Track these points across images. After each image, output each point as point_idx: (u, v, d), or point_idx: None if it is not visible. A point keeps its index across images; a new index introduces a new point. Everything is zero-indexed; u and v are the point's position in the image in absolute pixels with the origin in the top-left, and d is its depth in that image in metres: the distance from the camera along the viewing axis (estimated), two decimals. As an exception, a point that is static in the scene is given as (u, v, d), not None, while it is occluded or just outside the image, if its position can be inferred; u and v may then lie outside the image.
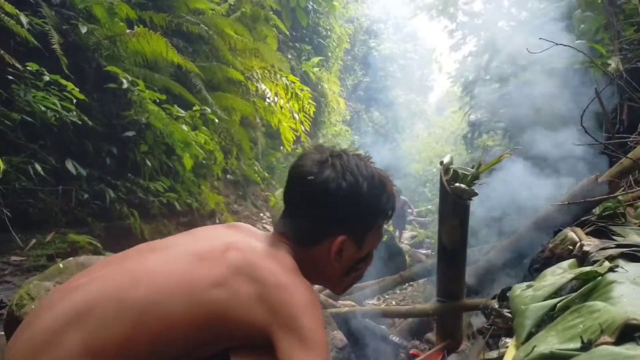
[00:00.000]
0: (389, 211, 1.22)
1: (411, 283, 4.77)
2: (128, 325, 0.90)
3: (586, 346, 0.77)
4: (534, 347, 0.83)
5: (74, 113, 3.80)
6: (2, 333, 2.32)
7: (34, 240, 3.50)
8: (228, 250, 1.03)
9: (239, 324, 0.96)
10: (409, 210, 11.80)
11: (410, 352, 2.35)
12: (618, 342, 0.76)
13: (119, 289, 0.94)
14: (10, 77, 3.44)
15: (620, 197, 2.34)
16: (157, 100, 4.68)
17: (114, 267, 1.02)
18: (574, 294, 1.15)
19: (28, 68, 3.55)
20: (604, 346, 0.71)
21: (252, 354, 0.99)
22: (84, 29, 4.15)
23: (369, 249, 1.22)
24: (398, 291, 4.89)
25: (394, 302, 4.35)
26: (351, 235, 1.14)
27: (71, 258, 2.85)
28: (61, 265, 2.59)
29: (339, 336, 1.99)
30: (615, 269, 1.21)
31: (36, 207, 3.66)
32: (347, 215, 1.13)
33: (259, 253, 1.05)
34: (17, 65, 3.49)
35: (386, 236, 6.31)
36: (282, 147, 8.63)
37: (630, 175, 2.68)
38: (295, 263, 1.09)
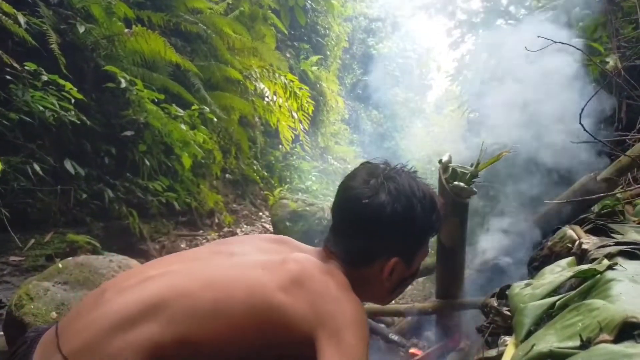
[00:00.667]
0: (438, 226, 1.23)
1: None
2: (197, 325, 0.94)
3: (585, 344, 0.77)
4: (533, 345, 0.83)
5: (73, 113, 3.80)
6: (2, 333, 2.32)
7: (32, 240, 3.50)
8: (287, 262, 1.06)
9: (294, 330, 0.98)
10: None
11: (410, 351, 2.35)
12: (617, 340, 0.76)
13: (192, 288, 0.98)
14: (8, 77, 3.44)
15: (619, 195, 2.34)
16: (156, 100, 4.68)
17: (188, 264, 1.08)
18: (572, 292, 1.15)
19: (26, 68, 3.54)
20: (603, 344, 0.71)
21: None
22: (81, 29, 4.14)
23: (417, 266, 1.24)
24: (397, 289, 4.89)
25: (392, 302, 4.35)
26: (402, 257, 1.15)
27: (70, 258, 2.85)
28: (60, 265, 2.59)
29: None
30: (614, 267, 1.22)
31: (35, 207, 3.66)
32: (400, 239, 1.15)
33: (315, 267, 1.08)
34: (15, 65, 3.48)
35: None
36: (280, 146, 8.63)
37: (629, 173, 2.69)
38: (347, 280, 1.10)
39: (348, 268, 1.14)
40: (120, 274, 1.08)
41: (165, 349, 0.91)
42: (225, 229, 6.07)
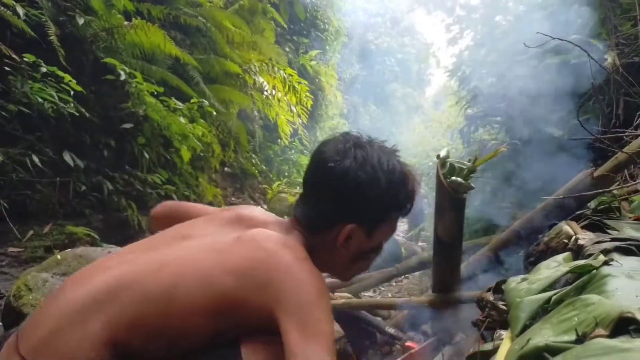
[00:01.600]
0: (406, 207, 1.22)
1: (407, 275, 4.80)
2: (152, 311, 0.94)
3: (581, 339, 0.78)
4: (529, 339, 0.85)
5: (71, 105, 3.79)
6: (0, 324, 2.33)
7: (31, 232, 3.51)
8: (242, 241, 1.06)
9: (251, 310, 0.97)
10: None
11: (405, 344, 2.38)
12: (612, 335, 0.77)
13: (145, 275, 0.98)
14: (7, 69, 3.43)
15: (615, 191, 2.36)
16: (155, 93, 4.68)
17: (143, 252, 1.06)
18: (568, 287, 1.17)
19: (25, 59, 3.53)
20: (599, 339, 0.73)
21: (261, 341, 1.01)
22: (81, 21, 4.13)
23: (380, 240, 1.22)
24: (394, 283, 4.91)
25: (389, 294, 4.37)
26: (362, 224, 1.15)
27: (69, 250, 2.85)
28: (59, 257, 2.60)
29: (335, 328, 2.01)
30: (610, 263, 1.23)
31: (34, 198, 3.67)
32: (361, 206, 1.14)
33: (273, 241, 1.06)
34: (14, 56, 3.47)
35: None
36: (279, 140, 8.63)
37: (626, 170, 2.70)
38: (305, 252, 1.09)
39: (309, 235, 1.15)
40: (80, 270, 1.07)
41: (121, 336, 0.91)
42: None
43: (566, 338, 0.82)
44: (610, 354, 0.65)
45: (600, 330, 0.77)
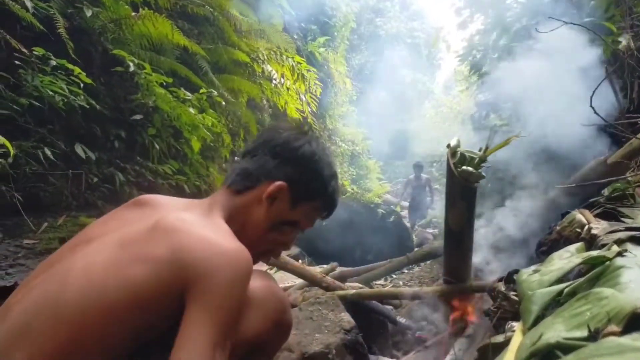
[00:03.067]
0: (331, 201, 1.26)
1: (418, 264, 4.80)
2: (68, 329, 0.88)
3: (593, 335, 0.78)
4: (541, 335, 0.84)
5: (82, 97, 3.81)
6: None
7: (45, 224, 3.54)
8: (155, 230, 1.00)
9: (174, 298, 0.93)
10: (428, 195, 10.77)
11: (417, 334, 2.38)
12: (625, 331, 0.76)
13: (50, 296, 0.92)
14: (17, 62, 3.44)
15: (629, 178, 2.33)
16: (164, 83, 4.67)
17: (45, 273, 0.99)
18: (581, 279, 1.15)
19: (34, 53, 3.54)
20: (612, 337, 0.72)
21: None
22: (89, 12, 4.12)
23: (299, 219, 1.22)
24: (406, 271, 4.91)
25: (401, 283, 4.37)
26: (291, 188, 1.16)
27: (83, 241, 2.89)
28: (73, 249, 2.63)
29: (347, 318, 2.01)
30: (624, 254, 1.21)
31: (47, 191, 3.70)
32: (296, 170, 1.17)
33: (188, 222, 1.02)
34: (24, 50, 3.49)
35: (393, 216, 6.33)
36: (289, 129, 8.60)
37: (640, 156, 2.66)
38: (227, 226, 1.07)
39: (231, 198, 1.15)
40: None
41: None
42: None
43: (578, 334, 0.81)
44: (624, 353, 0.64)
45: (613, 327, 0.76)
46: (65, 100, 3.64)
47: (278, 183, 1.14)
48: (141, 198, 1.20)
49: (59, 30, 3.75)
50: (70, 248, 1.05)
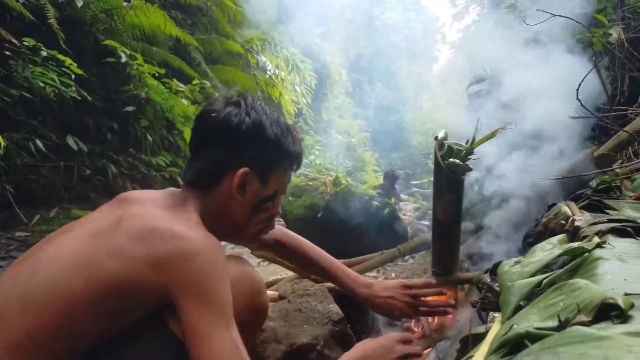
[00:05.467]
0: (295, 155, 1.23)
1: (412, 255, 4.82)
2: (35, 315, 0.89)
3: (563, 325, 0.79)
4: (512, 325, 0.85)
5: (73, 88, 3.80)
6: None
7: (37, 216, 3.55)
8: (123, 220, 1.01)
9: (146, 291, 0.95)
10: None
11: (405, 325, 2.40)
12: (594, 321, 0.77)
13: (19, 284, 0.93)
14: (7, 53, 3.43)
15: (617, 170, 2.34)
16: (157, 75, 4.66)
17: (19, 265, 1.00)
18: (560, 271, 1.17)
19: (25, 43, 3.53)
20: (577, 327, 0.73)
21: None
22: (79, 3, 4.09)
23: (276, 189, 1.21)
24: (399, 263, 4.93)
25: (393, 275, 4.39)
26: (254, 169, 1.14)
27: (74, 234, 2.90)
28: (65, 241, 2.63)
29: (335, 309, 2.03)
30: (603, 245, 1.22)
31: (39, 183, 3.70)
32: (249, 149, 1.13)
33: (157, 216, 1.03)
34: (14, 40, 3.47)
35: (388, 208, 6.34)
36: (283, 120, 8.60)
37: (629, 147, 2.67)
38: (198, 218, 1.08)
39: (202, 195, 1.13)
40: None
41: (18, 352, 0.87)
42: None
43: (550, 324, 0.82)
44: (586, 342, 0.65)
45: (582, 317, 0.77)
46: (57, 91, 3.63)
47: (240, 172, 1.11)
48: (122, 195, 1.19)
49: (50, 21, 3.73)
50: (48, 240, 1.06)
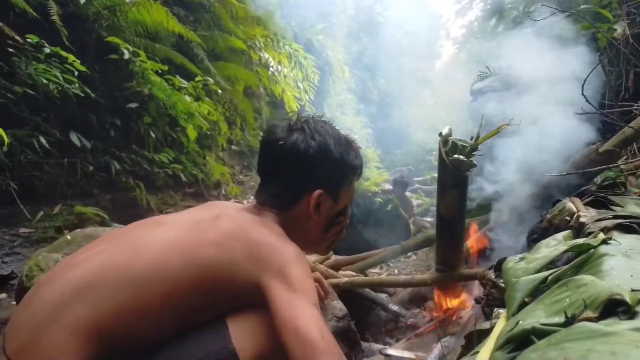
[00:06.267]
0: (358, 167, 1.32)
1: (415, 251, 4.82)
2: (133, 294, 0.95)
3: (569, 321, 0.78)
4: (518, 321, 0.85)
5: (76, 85, 3.79)
6: (14, 302, 2.39)
7: (41, 213, 3.55)
8: (219, 219, 1.10)
9: (232, 280, 1.02)
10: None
11: (408, 322, 2.40)
12: (601, 317, 0.77)
13: (121, 261, 0.99)
14: (10, 50, 3.42)
15: (622, 166, 2.33)
16: (159, 71, 4.66)
17: (115, 242, 1.07)
18: (565, 267, 1.16)
19: (28, 40, 3.52)
20: (584, 322, 0.73)
21: (244, 312, 1.06)
22: (82, -1, 4.09)
23: (345, 203, 1.31)
24: (402, 259, 4.94)
25: (396, 271, 4.40)
26: (326, 189, 1.23)
27: (78, 230, 2.90)
28: (69, 237, 2.64)
29: (339, 305, 2.02)
30: (609, 241, 1.22)
31: (42, 179, 3.70)
32: (320, 171, 1.22)
33: (248, 220, 1.13)
34: (17, 37, 3.47)
35: (390, 205, 6.33)
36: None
37: (634, 144, 2.66)
38: (280, 229, 1.17)
39: (280, 213, 1.22)
40: (52, 269, 1.07)
41: (104, 324, 0.91)
42: (232, 201, 6.11)
43: (556, 320, 0.82)
44: (593, 338, 0.65)
45: (589, 313, 0.77)
46: (60, 88, 3.63)
47: (315, 194, 1.21)
48: (210, 202, 1.31)
49: (53, 17, 3.72)
50: (140, 226, 1.14)
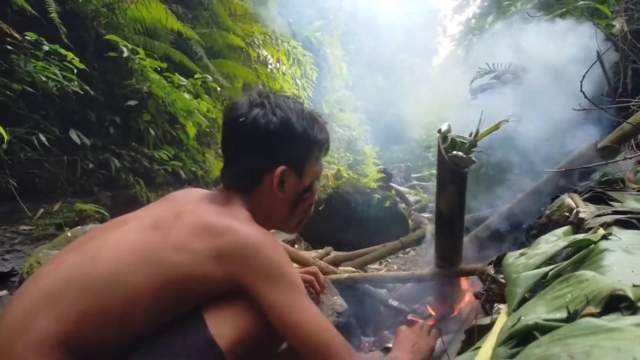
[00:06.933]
0: (323, 142, 1.29)
1: (414, 247, 4.84)
2: (95, 300, 0.94)
3: (572, 316, 0.79)
4: (520, 317, 0.86)
5: (76, 83, 3.79)
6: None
7: (41, 210, 3.55)
8: (180, 215, 1.07)
9: (203, 282, 1.01)
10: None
11: (408, 317, 2.41)
12: (603, 312, 0.77)
13: (81, 268, 0.98)
14: (9, 47, 3.42)
15: (620, 162, 2.35)
16: (158, 69, 4.65)
17: (78, 249, 1.05)
18: (566, 262, 1.17)
19: (27, 38, 3.52)
20: (587, 318, 0.73)
21: (221, 306, 1.04)
22: (81, -3, 4.09)
23: (311, 180, 1.28)
24: (401, 254, 4.95)
25: (395, 267, 4.42)
26: (290, 165, 1.20)
27: (78, 227, 2.91)
28: (69, 234, 2.66)
29: (339, 301, 2.04)
30: (609, 237, 1.23)
31: (42, 177, 3.70)
32: (282, 147, 1.19)
33: (211, 212, 1.10)
34: (16, 35, 3.46)
35: (388, 201, 6.34)
36: (285, 114, 8.58)
37: (632, 140, 2.67)
38: (248, 213, 1.15)
39: (245, 195, 1.19)
40: (26, 280, 1.06)
41: (69, 333, 0.91)
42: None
43: (558, 315, 0.83)
44: (597, 334, 0.66)
45: (591, 308, 0.78)
46: (59, 85, 3.63)
47: (277, 171, 1.18)
48: (169, 195, 1.27)
49: (51, 15, 3.72)
50: (103, 229, 1.12)
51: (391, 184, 9.68)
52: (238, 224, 1.06)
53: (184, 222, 1.05)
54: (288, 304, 0.98)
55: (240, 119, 1.17)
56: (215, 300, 1.04)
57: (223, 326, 1.00)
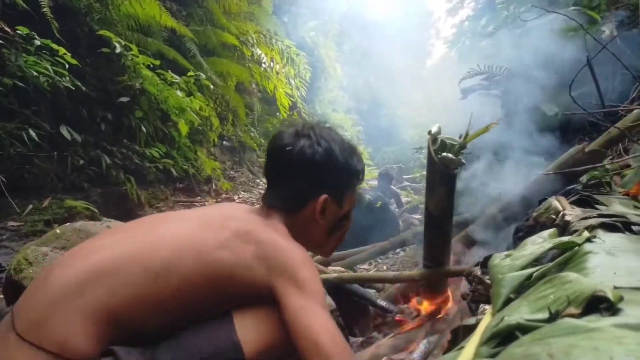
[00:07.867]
0: (361, 171, 1.37)
1: (404, 248, 4.85)
2: (150, 285, 0.99)
3: (553, 317, 0.80)
4: (503, 317, 0.87)
5: (67, 78, 3.77)
6: (2, 296, 2.38)
7: (30, 206, 3.53)
8: (228, 220, 1.15)
9: (243, 282, 1.07)
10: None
11: (396, 317, 2.43)
12: (584, 313, 0.79)
13: (140, 251, 1.04)
14: (0, 42, 3.39)
15: (608, 166, 2.37)
16: (151, 66, 4.64)
17: (132, 232, 1.12)
18: (550, 264, 1.19)
19: (18, 32, 3.49)
20: (567, 319, 0.74)
21: (250, 309, 1.09)
22: (74, -9, 4.06)
23: (349, 208, 1.37)
24: (391, 255, 4.97)
25: (385, 267, 4.43)
26: (331, 194, 1.28)
27: (68, 224, 2.88)
28: (58, 231, 2.63)
29: (328, 301, 2.05)
30: (593, 240, 1.25)
31: (32, 173, 3.68)
32: (325, 176, 1.27)
33: (255, 222, 1.18)
34: (7, 29, 3.43)
35: (379, 202, 6.36)
36: (278, 113, 8.59)
37: (620, 144, 2.70)
38: (287, 230, 1.22)
39: (286, 216, 1.26)
40: (68, 252, 1.11)
41: (118, 311, 0.95)
42: (223, 196, 6.11)
43: (540, 316, 0.84)
44: (576, 334, 0.67)
45: (572, 309, 0.79)
46: (50, 81, 3.60)
47: (321, 199, 1.26)
48: (215, 204, 1.38)
49: (43, 10, 3.69)
50: (154, 221, 1.20)
51: (391, 186, 9.70)
52: (279, 237, 1.14)
53: (231, 226, 1.12)
54: (307, 306, 1.03)
55: (288, 148, 1.25)
56: (247, 306, 1.09)
57: (250, 333, 1.05)
